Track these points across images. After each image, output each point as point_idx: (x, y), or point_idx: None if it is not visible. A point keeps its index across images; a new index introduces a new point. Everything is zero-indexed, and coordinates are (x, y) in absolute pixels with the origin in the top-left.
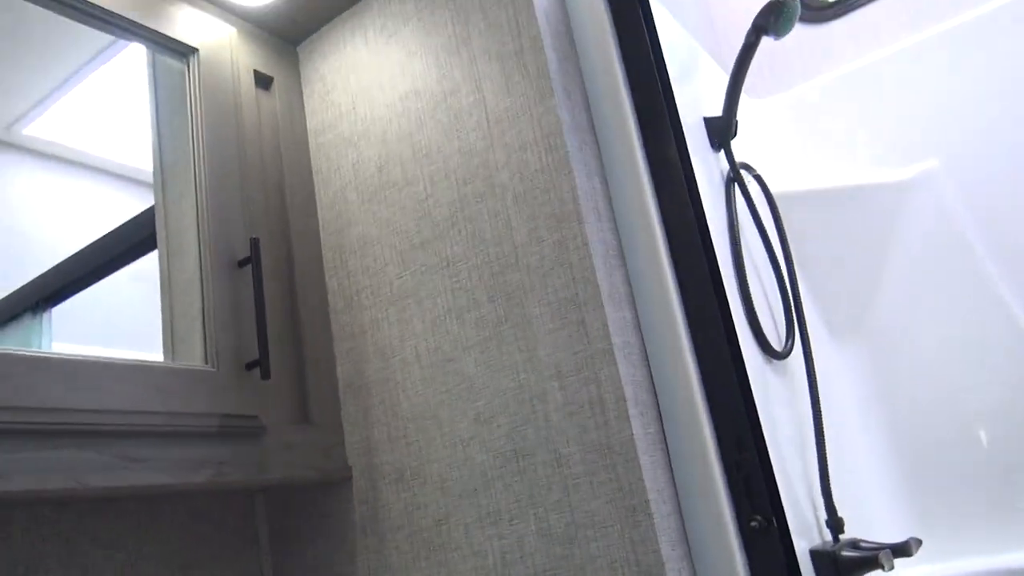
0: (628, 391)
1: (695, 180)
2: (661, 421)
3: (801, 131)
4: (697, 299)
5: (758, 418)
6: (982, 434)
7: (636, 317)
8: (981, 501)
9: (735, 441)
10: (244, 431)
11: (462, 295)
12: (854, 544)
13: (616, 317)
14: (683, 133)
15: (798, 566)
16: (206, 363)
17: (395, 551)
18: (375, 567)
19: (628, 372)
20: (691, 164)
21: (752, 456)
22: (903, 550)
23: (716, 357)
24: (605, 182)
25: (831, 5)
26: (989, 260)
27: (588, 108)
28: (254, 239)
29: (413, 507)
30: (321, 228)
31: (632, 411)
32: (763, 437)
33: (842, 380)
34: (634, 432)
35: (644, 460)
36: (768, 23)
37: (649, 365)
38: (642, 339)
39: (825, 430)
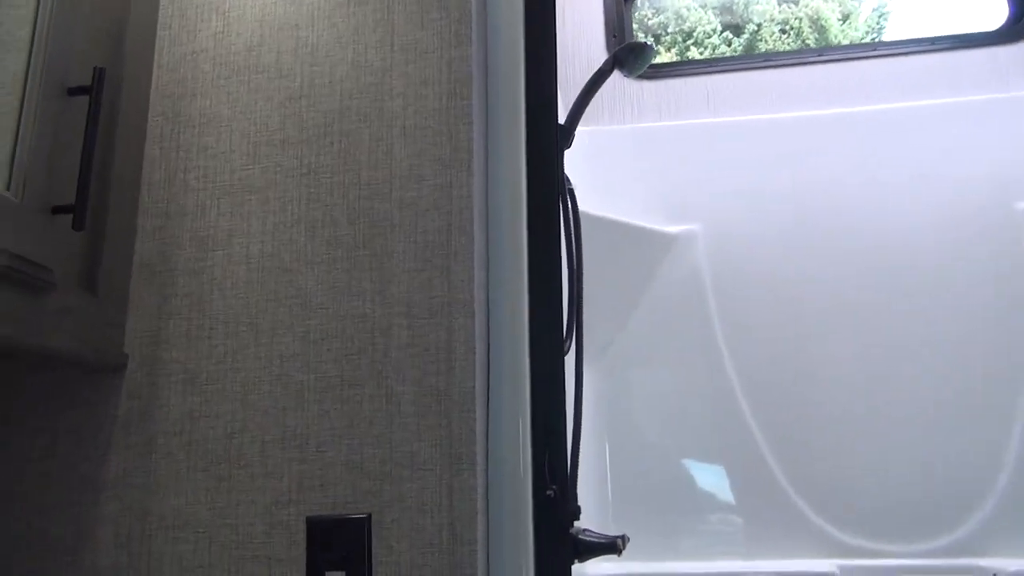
0: (479, 346)
1: (562, 166)
2: (489, 382)
3: (593, 167)
4: (542, 276)
5: (564, 400)
6: (676, 468)
7: (487, 278)
8: (661, 519)
9: (546, 418)
10: (30, 282)
11: (318, 208)
12: (584, 531)
13: (480, 274)
14: (556, 121)
15: (572, 535)
16: (7, 190)
17: (165, 458)
18: (130, 469)
19: (480, 328)
20: (561, 152)
21: (558, 435)
22: (614, 545)
23: (547, 339)
24: (486, 140)
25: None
26: (717, 318)
27: (486, 65)
28: (99, 68)
29: (201, 414)
30: (154, 88)
31: (478, 365)
32: (564, 419)
33: (584, 393)
34: (476, 385)
35: (479, 413)
36: (627, 59)
37: (489, 327)
38: (487, 300)
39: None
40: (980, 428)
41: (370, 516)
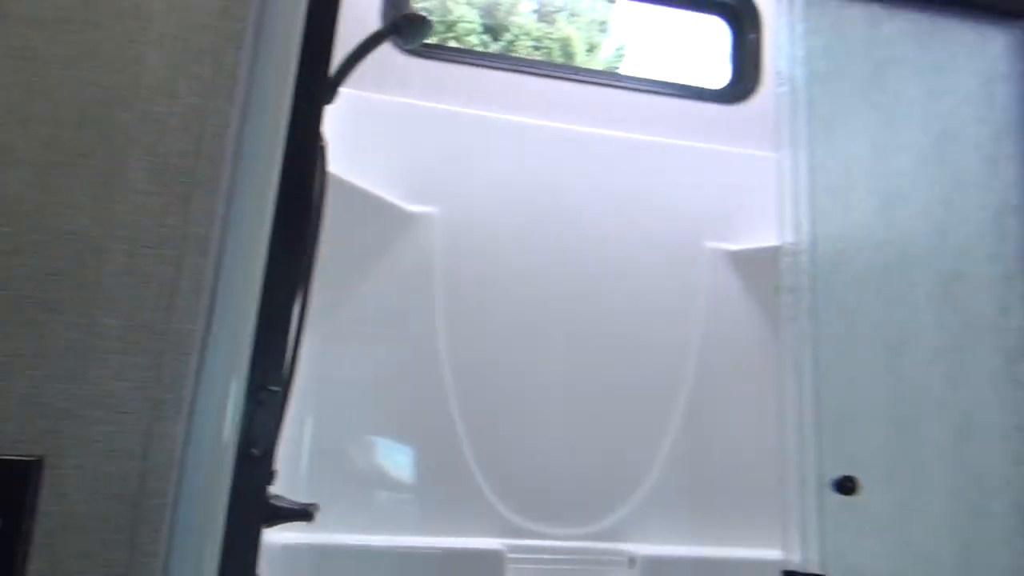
0: (207, 286)
1: (322, 119)
2: (210, 327)
3: (346, 130)
4: (287, 224)
5: (283, 359)
6: (373, 443)
7: (229, 216)
8: (349, 492)
9: (264, 375)
10: None
11: (38, 99)
12: (275, 497)
13: (222, 210)
14: (328, 71)
15: (266, 497)
16: None
17: None
18: None
19: (212, 267)
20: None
21: (272, 394)
22: (307, 513)
23: (279, 292)
24: (252, 72)
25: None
26: (440, 302)
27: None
28: None
29: None
30: None
31: (201, 307)
32: (281, 378)
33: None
34: (196, 328)
35: (195, 358)
36: (406, 28)
37: (220, 268)
38: (224, 239)
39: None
40: (641, 432)
41: (42, 459)
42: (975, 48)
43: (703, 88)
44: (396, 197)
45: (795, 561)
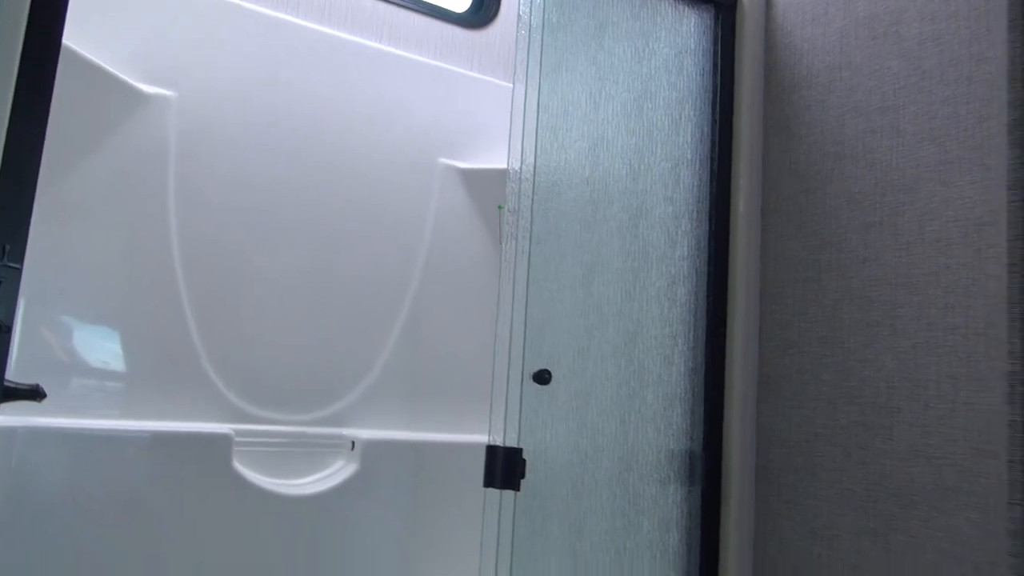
0: None
1: None
2: None
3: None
4: (30, 90)
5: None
6: (98, 327)
7: None
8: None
9: (2, 251)
10: None
11: None
12: None
13: None
14: None
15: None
16: None
17: None
18: None
19: None
20: None
21: (11, 271)
22: (37, 392)
23: (22, 166)
24: None
25: None
26: (173, 190)
27: None
28: None
29: None
30: None
31: None
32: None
33: None
34: None
35: None
36: None
37: None
38: None
39: None
40: (368, 328)
41: None
42: (673, 23)
43: (447, 10)
44: (133, 77)
45: (497, 441)
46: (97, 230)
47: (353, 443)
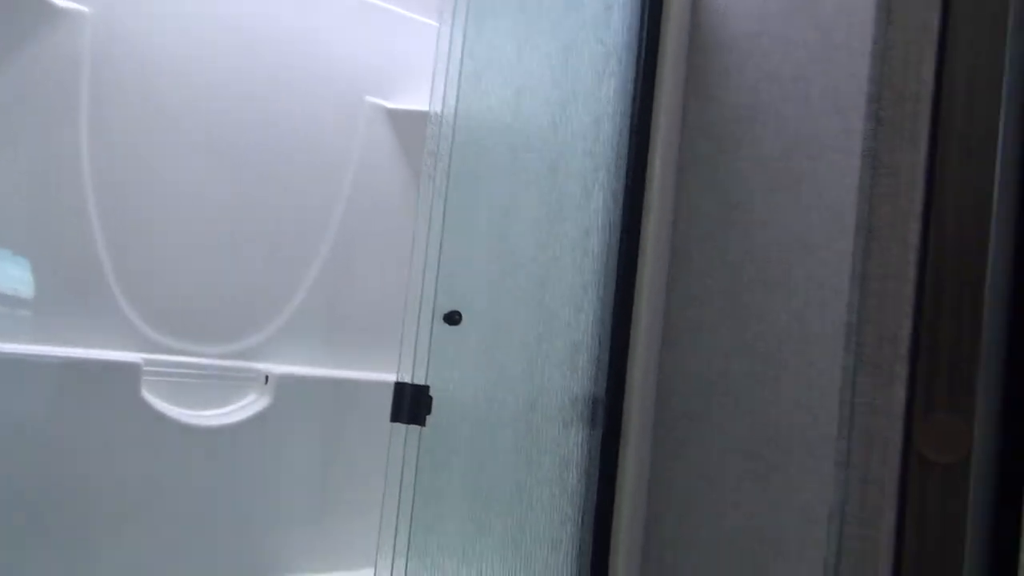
0: None
1: None
2: None
3: None
4: None
5: None
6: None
7: None
8: None
9: None
10: None
11: None
12: None
13: None
14: None
15: None
16: None
17: None
18: None
19: None
20: None
21: None
22: None
23: None
24: None
25: None
26: (86, 111)
27: None
28: None
29: None
30: None
31: None
32: None
33: None
34: None
35: None
36: None
37: None
38: None
39: None
40: (287, 263)
41: None
42: None
43: None
44: None
45: (406, 378)
46: (2, 152)
47: (267, 377)
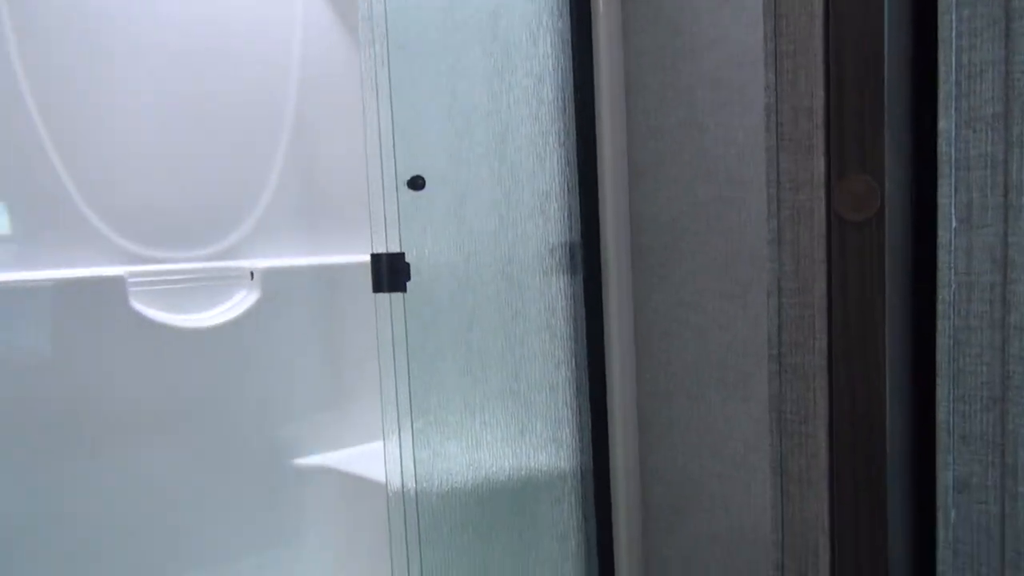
0: None
1: None
2: None
3: None
4: None
5: None
6: None
7: None
8: None
9: None
10: None
11: None
12: None
13: None
14: None
15: None
16: None
17: None
18: None
19: None
20: None
21: None
22: None
23: None
24: None
25: None
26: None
27: None
28: None
29: None
30: None
31: None
32: None
33: None
34: None
35: None
36: None
37: None
38: None
39: None
40: (252, 155)
41: None
42: None
43: None
44: None
45: (380, 248)
46: None
47: (252, 273)
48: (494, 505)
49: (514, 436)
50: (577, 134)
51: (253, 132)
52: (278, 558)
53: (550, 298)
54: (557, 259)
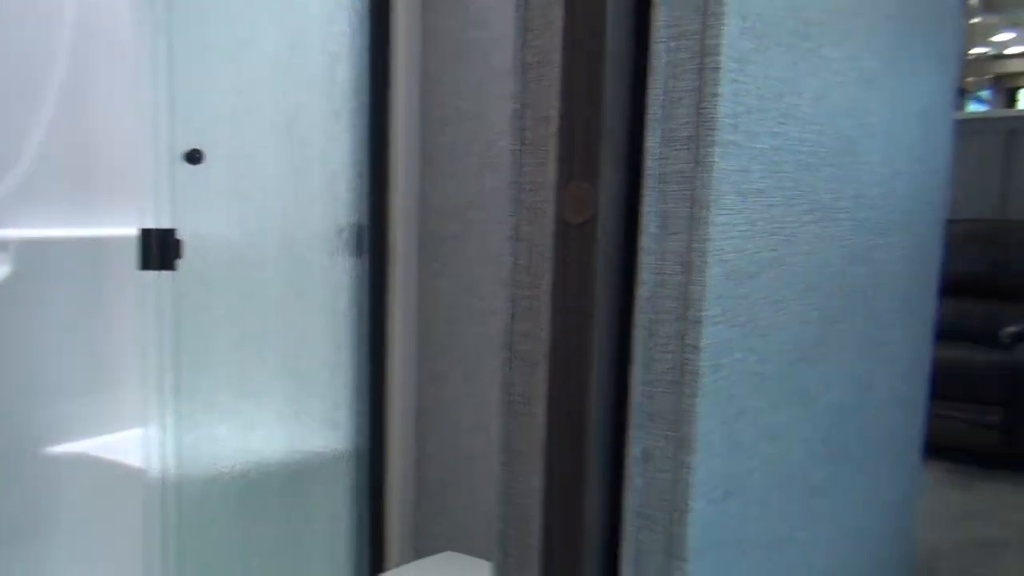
0: None
1: None
2: None
3: None
4: None
5: None
6: None
7: None
8: None
9: None
10: None
11: None
12: None
13: None
14: None
15: None
16: None
17: None
18: None
19: None
20: None
21: None
22: None
23: None
24: None
25: None
26: None
27: None
28: None
29: None
30: None
31: None
32: None
33: None
34: None
35: None
36: None
37: None
38: None
39: None
40: (11, 117)
41: None
42: None
43: None
44: None
45: (150, 224)
46: None
47: (4, 244)
48: (265, 488)
49: (289, 418)
50: (370, 117)
51: (13, 96)
52: (23, 555)
53: (335, 279)
54: (344, 240)
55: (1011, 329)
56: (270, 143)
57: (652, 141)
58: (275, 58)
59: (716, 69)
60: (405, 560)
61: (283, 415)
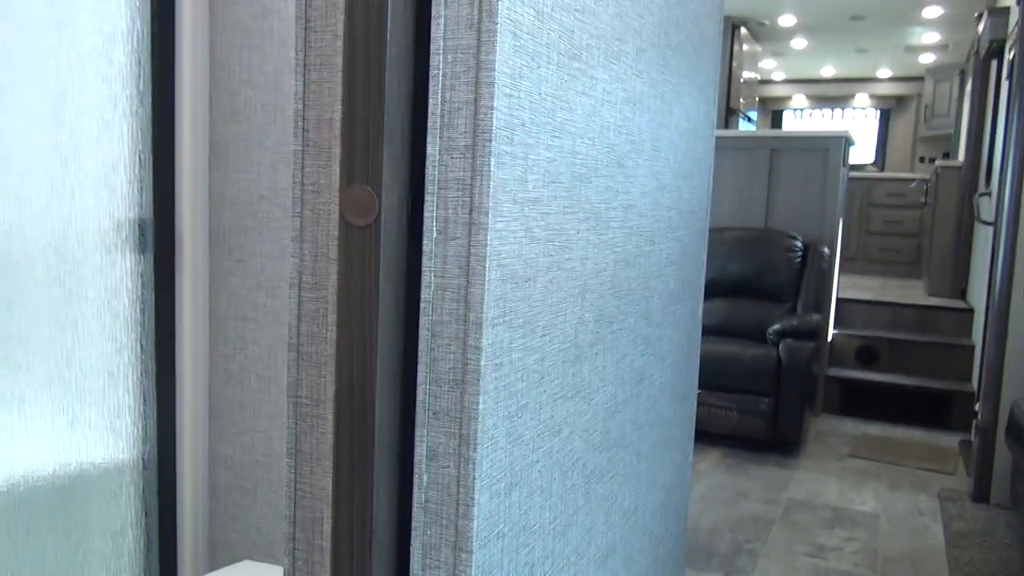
0: None
1: None
2: None
3: None
4: None
5: None
6: None
7: None
8: None
9: None
10: None
11: None
12: None
13: None
14: None
15: None
16: None
17: None
18: None
19: None
20: None
21: None
22: None
23: None
24: None
25: None
26: None
27: None
28: None
29: None
30: None
31: None
32: None
33: None
34: None
35: None
36: None
37: None
38: None
39: None
40: None
41: None
42: None
43: None
44: None
45: None
46: None
47: None
48: (34, 506)
49: (63, 428)
50: (153, 104)
51: None
52: None
53: (114, 278)
54: (124, 236)
55: (776, 327)
56: (32, 130)
57: (433, 149)
58: (36, 36)
59: (491, 84)
60: (199, 573)
61: (54, 426)
